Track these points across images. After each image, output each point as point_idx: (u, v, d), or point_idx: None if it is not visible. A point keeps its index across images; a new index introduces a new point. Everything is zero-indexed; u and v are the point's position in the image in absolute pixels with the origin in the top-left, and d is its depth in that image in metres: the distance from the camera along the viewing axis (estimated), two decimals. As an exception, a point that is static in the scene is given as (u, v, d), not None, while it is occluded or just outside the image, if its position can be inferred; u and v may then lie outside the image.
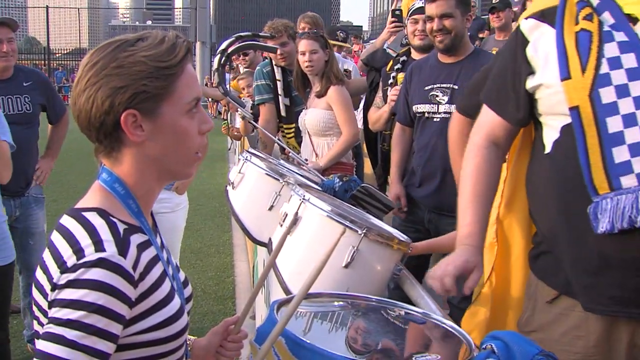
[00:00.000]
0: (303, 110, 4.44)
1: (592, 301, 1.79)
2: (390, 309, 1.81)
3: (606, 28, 1.75)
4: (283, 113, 4.90)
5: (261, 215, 2.61)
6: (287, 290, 2.09)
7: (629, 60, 1.70)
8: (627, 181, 1.66)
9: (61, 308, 1.25)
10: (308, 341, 1.35)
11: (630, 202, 1.65)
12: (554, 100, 1.81)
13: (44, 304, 1.32)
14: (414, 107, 3.61)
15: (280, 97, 4.87)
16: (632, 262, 1.71)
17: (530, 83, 1.89)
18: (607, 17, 1.77)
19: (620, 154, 1.67)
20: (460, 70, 3.46)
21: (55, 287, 1.29)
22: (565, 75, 1.76)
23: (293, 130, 4.89)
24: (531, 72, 1.89)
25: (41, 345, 1.24)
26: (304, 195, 2.19)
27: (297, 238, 2.17)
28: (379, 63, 4.52)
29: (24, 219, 4.32)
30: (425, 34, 3.77)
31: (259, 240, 2.63)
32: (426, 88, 3.54)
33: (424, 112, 3.57)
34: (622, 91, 1.68)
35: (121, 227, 1.35)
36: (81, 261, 1.27)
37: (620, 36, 1.73)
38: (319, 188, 2.78)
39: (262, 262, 3.85)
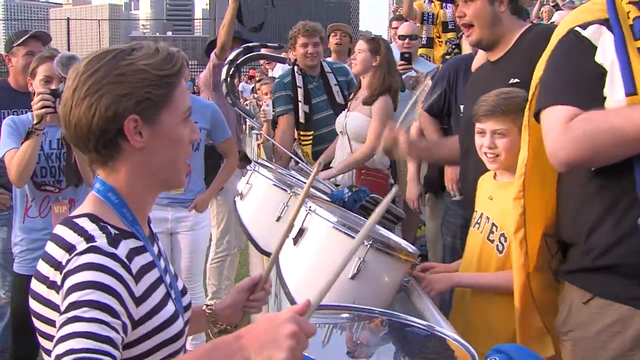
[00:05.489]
0: (343, 112, 4.41)
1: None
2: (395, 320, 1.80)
3: None
4: (302, 120, 4.90)
5: (269, 226, 2.61)
6: (292, 301, 2.09)
7: None
8: None
9: (65, 298, 1.23)
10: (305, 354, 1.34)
11: None
12: None
13: (41, 309, 1.34)
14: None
15: (300, 104, 4.87)
16: None
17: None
18: None
19: None
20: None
21: (53, 285, 1.30)
22: (632, 91, 1.71)
23: (310, 138, 4.90)
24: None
25: (58, 334, 1.18)
26: (310, 206, 2.18)
27: (303, 249, 2.17)
28: None
29: None
30: None
31: (266, 251, 2.63)
32: None
33: None
34: None
35: (112, 231, 1.36)
36: (73, 254, 1.29)
37: None
38: (328, 199, 2.77)
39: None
